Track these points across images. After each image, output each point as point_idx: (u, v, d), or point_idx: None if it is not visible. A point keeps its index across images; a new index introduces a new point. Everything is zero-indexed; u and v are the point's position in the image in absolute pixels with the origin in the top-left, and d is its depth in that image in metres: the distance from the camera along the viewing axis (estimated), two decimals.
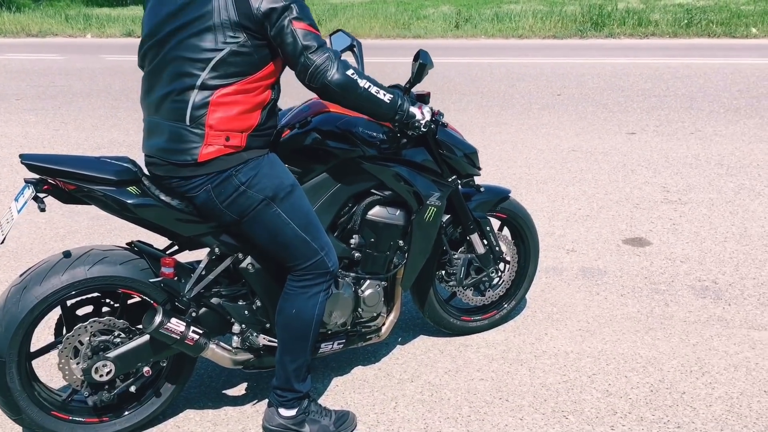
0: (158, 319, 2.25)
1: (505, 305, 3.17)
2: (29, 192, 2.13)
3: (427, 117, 2.40)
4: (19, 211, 2.15)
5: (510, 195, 3.05)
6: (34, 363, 2.35)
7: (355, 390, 2.73)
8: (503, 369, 2.86)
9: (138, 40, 2.30)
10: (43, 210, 2.11)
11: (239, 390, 2.74)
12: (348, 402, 2.65)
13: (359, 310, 2.63)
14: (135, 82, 9.95)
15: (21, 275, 2.24)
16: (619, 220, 4.45)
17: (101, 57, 13.10)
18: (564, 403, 2.62)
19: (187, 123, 2.10)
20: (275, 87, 2.22)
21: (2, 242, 2.14)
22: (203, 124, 2.09)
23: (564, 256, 3.93)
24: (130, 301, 2.39)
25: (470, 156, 2.77)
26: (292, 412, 2.35)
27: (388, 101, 2.26)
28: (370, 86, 2.21)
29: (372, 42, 14.85)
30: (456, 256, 2.94)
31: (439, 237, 2.82)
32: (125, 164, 2.21)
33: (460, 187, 2.80)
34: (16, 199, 2.18)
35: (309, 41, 2.09)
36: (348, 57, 2.61)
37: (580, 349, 2.99)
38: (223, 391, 2.74)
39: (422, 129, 2.40)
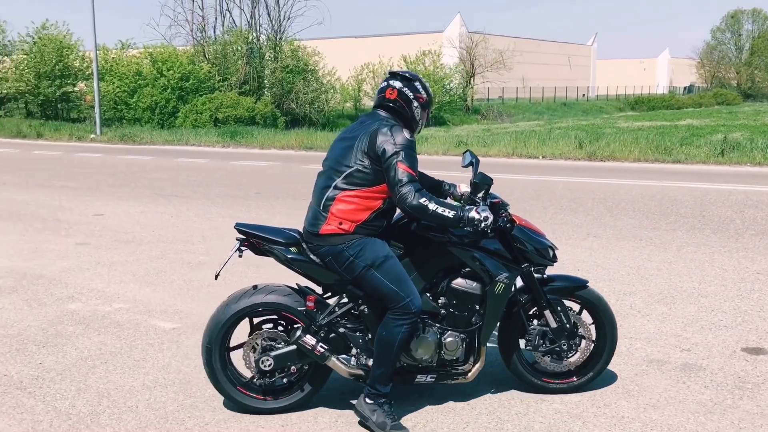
0: (298, 333, 3.53)
1: (578, 377, 3.86)
2: (236, 245, 3.59)
3: (483, 216, 3.34)
4: (230, 258, 3.60)
5: (587, 285, 3.83)
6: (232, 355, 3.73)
7: (442, 413, 3.69)
8: (562, 419, 3.59)
9: None
10: (240, 257, 3.56)
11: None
12: (432, 419, 3.62)
13: (441, 352, 3.60)
14: None
15: (227, 298, 3.65)
16: (752, 333, 4.75)
17: None
18: None
19: (321, 208, 3.43)
20: (388, 199, 3.39)
21: (218, 275, 3.60)
22: (328, 211, 3.40)
23: (676, 353, 4.43)
24: (296, 325, 3.67)
25: (541, 250, 3.65)
26: (371, 402, 3.43)
27: (452, 216, 3.31)
28: (437, 208, 3.29)
29: (627, 165, 15.40)
30: (533, 326, 3.79)
31: (517, 309, 3.73)
32: (293, 233, 3.58)
33: (533, 272, 3.69)
34: (232, 250, 3.63)
35: (403, 177, 3.27)
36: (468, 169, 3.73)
37: (636, 416, 3.59)
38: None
39: (481, 226, 3.35)
